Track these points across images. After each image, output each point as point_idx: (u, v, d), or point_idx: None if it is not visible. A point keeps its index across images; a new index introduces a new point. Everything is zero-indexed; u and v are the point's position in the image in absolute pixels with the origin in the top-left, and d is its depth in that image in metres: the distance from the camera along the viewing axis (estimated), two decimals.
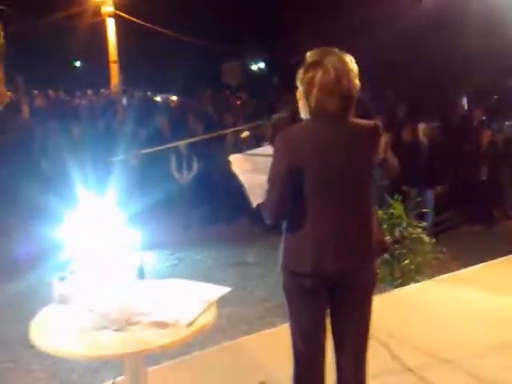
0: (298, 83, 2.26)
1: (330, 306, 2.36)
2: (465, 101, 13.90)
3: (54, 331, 2.28)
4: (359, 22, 15.74)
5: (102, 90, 16.94)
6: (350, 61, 2.23)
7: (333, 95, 2.17)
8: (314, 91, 2.19)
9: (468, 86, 15.02)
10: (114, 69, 16.57)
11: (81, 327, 2.26)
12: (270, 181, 2.24)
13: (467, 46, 15.43)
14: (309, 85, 2.20)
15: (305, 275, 2.25)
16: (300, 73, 2.24)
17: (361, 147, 2.27)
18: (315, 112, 2.23)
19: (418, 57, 15.62)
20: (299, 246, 2.27)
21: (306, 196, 2.21)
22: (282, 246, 2.34)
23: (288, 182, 2.19)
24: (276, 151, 2.23)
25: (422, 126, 7.65)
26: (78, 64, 26.21)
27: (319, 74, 2.17)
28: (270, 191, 2.25)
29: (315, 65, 2.20)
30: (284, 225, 2.33)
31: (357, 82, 2.23)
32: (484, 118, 9.87)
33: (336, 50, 2.24)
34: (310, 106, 2.23)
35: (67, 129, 8.90)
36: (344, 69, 2.18)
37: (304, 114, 2.29)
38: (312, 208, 2.22)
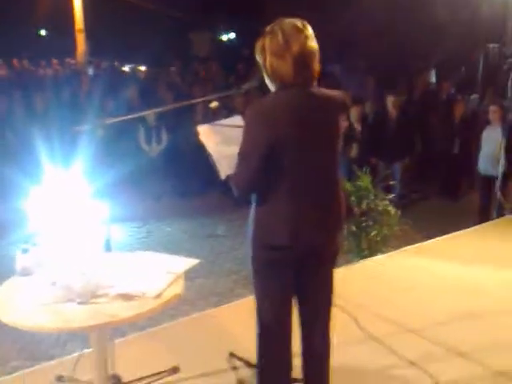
0: (256, 55, 2.25)
1: (296, 275, 2.37)
2: (433, 73, 14.01)
3: (18, 304, 2.25)
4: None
5: (67, 60, 16.50)
6: (302, 24, 2.19)
7: (284, 58, 2.15)
8: (268, 57, 2.18)
9: (436, 57, 15.13)
10: (80, 38, 16.09)
11: (44, 300, 2.24)
12: (243, 153, 2.21)
13: (435, 17, 15.49)
14: (262, 53, 2.21)
15: (277, 248, 2.26)
16: (256, 45, 2.24)
17: (331, 119, 2.27)
18: (274, 79, 2.21)
19: (387, 28, 15.63)
20: (272, 219, 2.25)
21: (281, 168, 2.19)
22: (251, 218, 2.32)
23: (264, 156, 2.15)
24: (249, 124, 2.19)
25: (390, 99, 7.65)
26: (43, 33, 25.42)
27: (268, 39, 2.18)
28: (242, 164, 2.21)
29: (266, 33, 2.20)
30: (254, 198, 2.31)
31: (311, 44, 2.19)
32: (453, 91, 9.99)
33: (291, 19, 2.21)
34: (268, 75, 2.22)
35: (31, 99, 8.67)
36: (293, 31, 2.15)
37: (270, 85, 2.27)
38: (286, 181, 2.21)
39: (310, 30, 2.20)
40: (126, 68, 15.52)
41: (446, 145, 7.94)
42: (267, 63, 2.19)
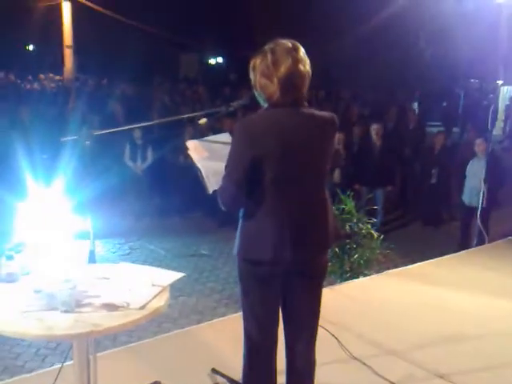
0: (250, 73, 2.29)
1: (282, 291, 2.38)
2: (415, 106, 14.35)
3: (0, 310, 2.21)
4: (322, 29, 15.98)
5: (51, 75, 16.47)
6: (294, 48, 2.22)
7: (271, 80, 2.19)
8: (257, 77, 2.24)
9: (419, 90, 15.49)
10: (68, 54, 16.12)
11: (28, 307, 2.21)
12: (230, 166, 2.23)
13: (420, 54, 15.91)
14: (253, 72, 2.26)
15: (263, 263, 2.26)
16: (250, 63, 2.28)
17: (319, 138, 2.30)
18: (264, 98, 2.25)
19: (373, 61, 15.98)
20: (258, 234, 2.26)
21: (266, 184, 2.22)
22: (238, 234, 2.33)
23: (249, 169, 2.18)
24: (237, 138, 2.23)
25: (374, 127, 7.80)
26: (31, 47, 25.45)
27: (258, 60, 2.22)
28: (228, 177, 2.24)
29: (258, 53, 2.25)
30: (241, 213, 2.33)
31: (301, 67, 2.21)
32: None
33: (286, 40, 2.25)
34: (258, 93, 2.27)
35: (17, 113, 8.63)
36: (283, 53, 2.19)
37: (262, 102, 2.31)
38: (272, 196, 2.23)
39: (301, 53, 2.23)
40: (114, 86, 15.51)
41: (426, 174, 8.08)
42: (257, 82, 2.25)
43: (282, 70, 2.17)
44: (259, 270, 2.28)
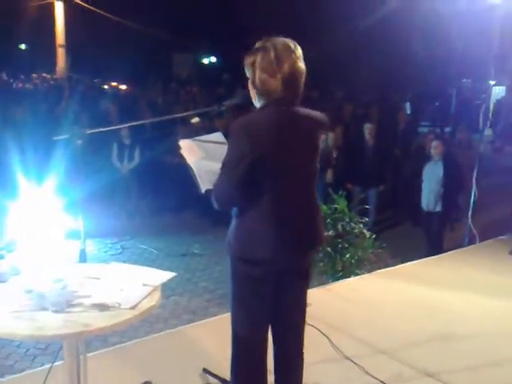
0: (246, 70, 2.28)
1: (273, 290, 2.37)
2: (408, 105, 14.39)
3: None
4: (315, 29, 15.99)
5: (44, 74, 16.42)
6: (293, 45, 2.24)
7: (275, 76, 2.19)
8: (257, 73, 2.22)
9: (412, 91, 15.52)
10: (61, 53, 16.08)
11: (18, 307, 2.20)
12: (228, 165, 2.21)
13: (413, 54, 15.95)
14: (251, 68, 2.24)
15: (260, 263, 2.26)
16: (246, 59, 2.27)
17: (313, 138, 2.33)
18: (262, 95, 2.24)
19: (366, 61, 16.01)
20: (256, 234, 2.26)
21: (264, 184, 2.22)
22: (233, 233, 2.31)
23: (249, 169, 2.17)
24: (237, 137, 2.21)
25: (367, 127, 7.80)
26: (23, 47, 25.33)
27: (259, 56, 2.21)
28: (225, 176, 2.22)
29: (257, 49, 2.24)
30: (235, 212, 2.32)
31: (300, 65, 2.24)
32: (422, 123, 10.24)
33: (283, 38, 2.26)
34: (257, 90, 2.25)
35: (9, 112, 8.58)
36: (285, 50, 2.20)
37: (255, 101, 2.31)
38: (269, 196, 2.23)
39: (300, 51, 2.25)
40: (106, 86, 15.50)
41: (415, 175, 8.07)
42: (256, 79, 2.23)
43: (286, 66, 2.18)
44: (255, 269, 2.27)
